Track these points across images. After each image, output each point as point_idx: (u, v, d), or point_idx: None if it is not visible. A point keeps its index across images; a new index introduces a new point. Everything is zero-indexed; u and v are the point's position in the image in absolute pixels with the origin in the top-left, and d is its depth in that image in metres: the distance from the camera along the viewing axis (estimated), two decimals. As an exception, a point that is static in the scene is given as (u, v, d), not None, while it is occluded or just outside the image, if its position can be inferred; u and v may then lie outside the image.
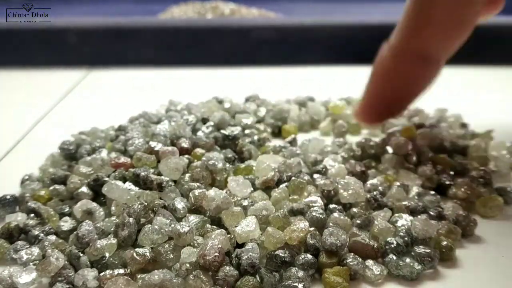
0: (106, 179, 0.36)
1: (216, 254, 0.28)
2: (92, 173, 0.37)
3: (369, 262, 0.29)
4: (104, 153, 0.40)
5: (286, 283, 0.27)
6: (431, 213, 0.33)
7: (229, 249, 0.30)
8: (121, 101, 0.60)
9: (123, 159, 0.38)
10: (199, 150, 0.40)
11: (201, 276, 0.27)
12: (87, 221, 0.31)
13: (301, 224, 0.30)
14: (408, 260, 0.29)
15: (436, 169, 0.39)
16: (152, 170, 0.36)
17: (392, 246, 0.30)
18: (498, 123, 0.48)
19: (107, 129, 0.46)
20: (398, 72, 0.36)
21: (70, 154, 0.42)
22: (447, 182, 0.37)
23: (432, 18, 0.34)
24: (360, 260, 0.29)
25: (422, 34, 0.35)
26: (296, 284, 0.27)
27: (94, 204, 0.33)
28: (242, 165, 0.39)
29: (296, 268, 0.28)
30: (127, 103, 0.58)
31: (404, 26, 0.35)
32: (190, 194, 0.33)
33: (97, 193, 0.35)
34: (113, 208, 0.33)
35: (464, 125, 0.48)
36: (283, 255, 0.29)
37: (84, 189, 0.35)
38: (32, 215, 0.34)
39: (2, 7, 0.67)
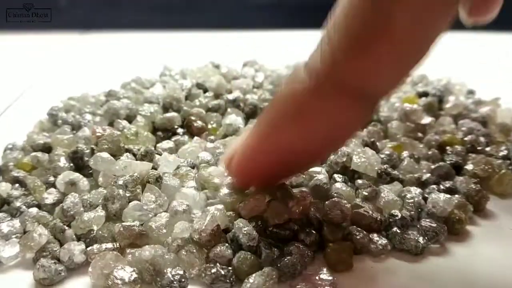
0: (87, 151, 0.34)
1: (213, 230, 0.26)
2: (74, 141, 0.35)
3: (374, 235, 0.28)
4: (89, 117, 0.39)
5: (287, 259, 0.26)
6: (443, 186, 0.32)
7: (227, 225, 0.28)
8: (115, 66, 0.58)
9: (108, 130, 0.36)
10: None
11: (194, 252, 0.26)
12: (72, 193, 0.29)
13: (303, 195, 0.29)
14: (413, 233, 0.28)
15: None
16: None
17: (397, 218, 0.29)
18: (503, 90, 0.46)
19: (99, 95, 0.44)
20: (318, 112, 0.24)
21: (59, 120, 0.40)
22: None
23: (389, 36, 0.22)
24: (365, 233, 0.28)
25: (365, 60, 0.22)
26: (297, 260, 0.25)
27: (77, 174, 0.31)
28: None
29: (298, 243, 0.27)
30: (121, 68, 0.56)
31: (336, 48, 0.23)
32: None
33: (78, 165, 0.33)
34: (100, 179, 0.31)
35: (471, 92, 0.46)
36: (283, 230, 0.27)
37: (64, 160, 0.33)
38: (17, 185, 0.32)
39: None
